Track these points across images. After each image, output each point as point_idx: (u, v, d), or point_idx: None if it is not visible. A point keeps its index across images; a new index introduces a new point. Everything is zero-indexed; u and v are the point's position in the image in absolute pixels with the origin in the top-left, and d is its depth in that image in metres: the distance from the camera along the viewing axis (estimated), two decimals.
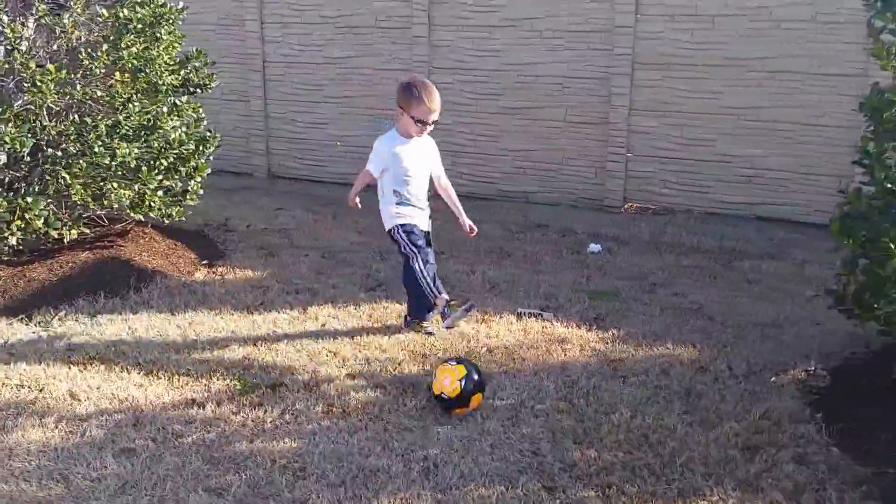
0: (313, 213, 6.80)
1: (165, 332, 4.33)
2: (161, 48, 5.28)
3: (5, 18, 4.79)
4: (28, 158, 4.85)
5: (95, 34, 5.19)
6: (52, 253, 5.14)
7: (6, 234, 4.71)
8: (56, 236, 4.97)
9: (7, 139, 4.58)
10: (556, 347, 4.18)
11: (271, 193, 7.58)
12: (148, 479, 3.01)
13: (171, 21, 5.35)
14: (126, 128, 4.98)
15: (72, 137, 4.89)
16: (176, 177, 5.41)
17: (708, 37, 6.43)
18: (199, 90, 5.69)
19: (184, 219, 5.59)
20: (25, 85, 4.78)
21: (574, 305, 4.77)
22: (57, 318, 4.49)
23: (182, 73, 5.54)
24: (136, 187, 5.13)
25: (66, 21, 5.02)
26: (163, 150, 5.23)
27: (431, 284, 4.11)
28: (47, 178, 4.93)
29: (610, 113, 6.79)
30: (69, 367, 3.91)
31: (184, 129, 5.40)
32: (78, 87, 4.89)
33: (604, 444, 3.26)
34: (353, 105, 7.75)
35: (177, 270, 5.28)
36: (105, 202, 5.11)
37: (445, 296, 4.12)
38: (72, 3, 5.03)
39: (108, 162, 4.86)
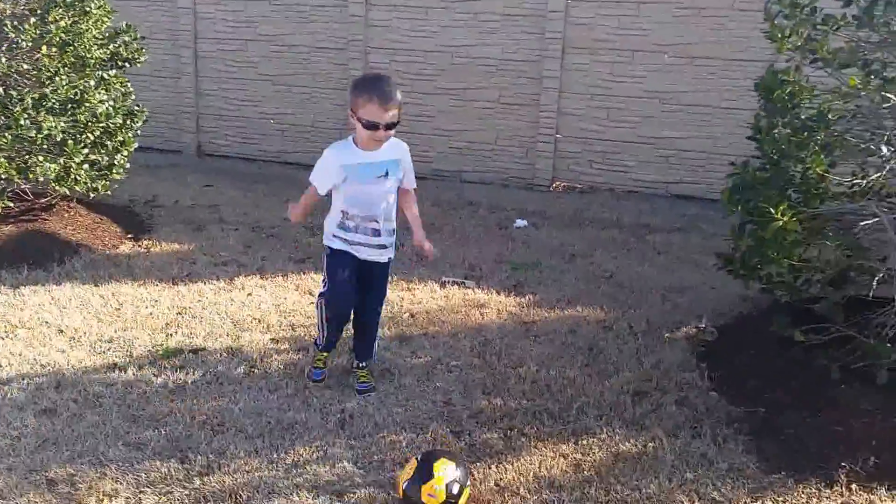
0: (244, 191, 6.82)
1: (88, 302, 4.35)
2: (90, 22, 5.25)
3: None
4: None
5: (22, 6, 5.12)
6: None
7: None
8: None
9: None
10: (474, 312, 4.37)
11: (201, 170, 7.56)
12: (68, 437, 3.08)
13: None
14: (52, 101, 4.94)
15: None
16: (102, 151, 5.39)
17: (634, 23, 6.68)
18: (127, 64, 5.66)
19: (109, 193, 5.57)
20: None
21: (496, 275, 4.97)
22: None
23: (111, 47, 5.51)
24: (61, 161, 5.10)
25: None
26: (89, 123, 5.21)
27: (324, 326, 3.42)
28: None
29: (541, 95, 6.99)
30: None
31: (111, 103, 5.38)
32: (3, 59, 4.84)
33: (510, 393, 3.50)
34: (286, 83, 7.78)
35: (102, 244, 5.27)
36: (30, 176, 5.06)
37: (325, 353, 3.55)
38: None
39: (33, 135, 4.83)
